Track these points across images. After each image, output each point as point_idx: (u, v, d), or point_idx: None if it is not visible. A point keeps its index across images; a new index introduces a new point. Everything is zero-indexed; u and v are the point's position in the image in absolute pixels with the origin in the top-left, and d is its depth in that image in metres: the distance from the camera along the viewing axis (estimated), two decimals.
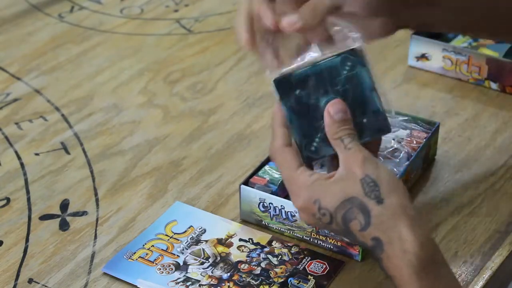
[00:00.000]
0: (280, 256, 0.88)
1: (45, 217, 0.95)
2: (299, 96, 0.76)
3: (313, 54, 0.76)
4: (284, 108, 0.76)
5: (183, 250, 0.89)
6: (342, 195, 0.73)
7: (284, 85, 0.76)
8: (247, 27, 0.80)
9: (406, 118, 1.01)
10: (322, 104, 0.76)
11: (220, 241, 0.90)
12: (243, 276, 0.85)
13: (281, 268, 0.86)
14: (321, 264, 0.86)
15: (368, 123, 0.76)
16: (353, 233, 0.73)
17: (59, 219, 0.95)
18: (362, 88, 0.76)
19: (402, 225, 0.71)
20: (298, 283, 0.84)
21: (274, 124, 0.78)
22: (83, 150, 1.06)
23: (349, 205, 0.72)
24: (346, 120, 0.75)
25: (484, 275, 0.86)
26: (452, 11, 0.85)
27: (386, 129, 0.77)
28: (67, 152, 1.06)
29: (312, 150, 0.77)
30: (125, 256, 0.88)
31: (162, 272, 0.86)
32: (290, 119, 0.76)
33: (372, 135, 0.77)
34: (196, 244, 0.89)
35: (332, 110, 0.75)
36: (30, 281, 0.86)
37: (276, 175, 0.92)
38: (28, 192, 0.99)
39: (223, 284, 0.84)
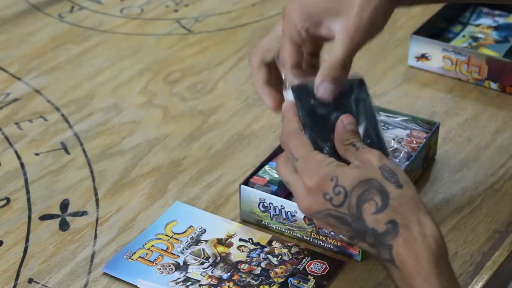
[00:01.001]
0: (280, 256, 0.88)
1: (45, 217, 0.95)
2: (313, 105, 0.78)
3: None
4: (300, 114, 0.78)
5: (183, 250, 0.89)
6: (361, 175, 0.72)
7: (301, 92, 0.78)
8: (268, 89, 0.82)
9: (406, 118, 1.01)
10: (333, 117, 0.77)
11: (220, 241, 0.90)
12: (243, 276, 0.85)
13: (281, 268, 0.86)
14: (321, 264, 0.86)
15: (371, 146, 0.77)
16: (364, 217, 0.71)
17: (59, 219, 0.95)
18: (368, 113, 0.79)
19: (421, 211, 0.71)
20: (298, 283, 0.84)
21: (287, 113, 0.78)
22: (83, 150, 1.06)
23: (368, 185, 0.72)
24: (356, 131, 0.77)
25: (484, 275, 0.86)
26: None
27: (386, 153, 0.78)
28: (67, 152, 1.06)
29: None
30: (125, 256, 0.88)
31: (162, 272, 0.86)
32: (303, 125, 0.77)
33: None
34: (196, 244, 0.89)
35: (345, 121, 0.77)
36: (30, 281, 0.86)
37: (276, 175, 0.92)
38: (28, 192, 0.99)
39: (223, 284, 0.84)
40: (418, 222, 0.70)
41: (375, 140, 0.78)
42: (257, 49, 0.85)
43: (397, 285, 0.71)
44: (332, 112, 0.78)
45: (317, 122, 0.78)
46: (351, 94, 0.80)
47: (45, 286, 0.86)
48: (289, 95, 0.79)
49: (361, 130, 0.78)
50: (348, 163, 0.75)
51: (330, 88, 0.77)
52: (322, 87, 0.77)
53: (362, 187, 0.72)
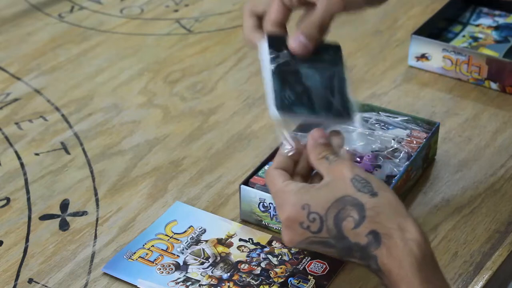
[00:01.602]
0: (280, 256, 0.88)
1: (45, 217, 0.95)
2: (284, 57, 0.80)
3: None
4: (269, 62, 0.80)
5: (183, 250, 0.89)
6: (333, 196, 0.72)
7: (275, 42, 0.81)
8: (258, 33, 0.83)
9: (406, 118, 1.01)
10: (303, 72, 0.80)
11: (220, 241, 0.90)
12: (243, 276, 0.85)
13: (281, 268, 0.86)
14: (321, 264, 0.86)
15: (336, 105, 0.79)
16: (346, 235, 0.72)
17: (59, 219, 0.95)
18: (339, 75, 0.81)
19: (400, 215, 0.70)
20: (298, 283, 0.84)
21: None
22: (83, 150, 1.06)
23: (341, 204, 0.72)
24: (328, 144, 0.78)
25: (484, 275, 0.86)
26: None
27: (348, 117, 0.79)
28: (67, 152, 1.06)
29: (286, 103, 0.78)
30: (125, 256, 0.88)
31: (162, 272, 0.86)
32: (272, 73, 0.79)
33: (335, 117, 0.79)
34: (196, 244, 0.89)
35: (316, 135, 0.78)
36: (30, 281, 0.86)
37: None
38: (28, 192, 0.99)
39: (223, 284, 0.84)
40: (398, 228, 0.70)
41: (339, 101, 0.79)
42: (250, 0, 0.86)
43: None
44: (302, 67, 0.80)
45: (286, 74, 0.79)
46: (325, 55, 0.82)
47: (45, 286, 0.86)
48: (263, 47, 0.81)
49: (328, 88, 0.80)
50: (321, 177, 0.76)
51: (303, 43, 0.79)
52: (296, 40, 0.79)
53: (336, 207, 0.72)
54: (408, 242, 0.69)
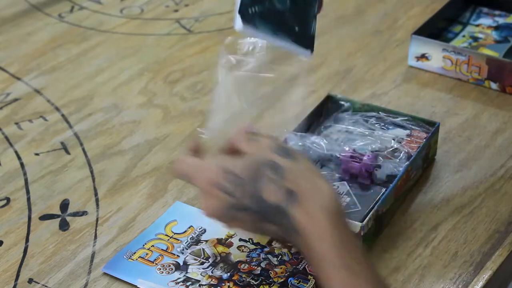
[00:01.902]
0: (280, 256, 0.88)
1: (45, 217, 0.95)
2: None
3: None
4: None
5: (183, 250, 0.89)
6: (253, 160, 0.75)
7: None
8: None
9: (406, 118, 1.01)
10: None
11: (220, 241, 0.90)
12: (243, 276, 0.85)
13: (281, 268, 0.86)
14: None
15: (299, 33, 0.80)
16: (264, 197, 0.73)
17: (59, 219, 0.95)
18: (310, 6, 0.82)
19: (316, 177, 0.73)
20: (298, 283, 0.84)
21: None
22: (83, 150, 1.06)
23: (261, 166, 0.74)
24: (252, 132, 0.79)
25: (484, 275, 0.86)
26: None
27: (307, 48, 0.81)
28: (67, 152, 1.06)
29: (250, 14, 0.81)
30: (125, 256, 0.88)
31: (162, 272, 0.86)
32: None
33: (295, 44, 0.81)
34: (196, 244, 0.89)
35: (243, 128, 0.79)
36: (30, 281, 0.86)
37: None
38: (28, 192, 0.99)
39: (223, 284, 0.84)
40: (314, 187, 0.73)
41: (302, 31, 0.81)
42: None
43: (305, 257, 0.74)
44: None
45: None
46: None
47: (45, 286, 0.86)
48: None
49: (294, 17, 0.81)
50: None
51: None
52: None
53: (256, 170, 0.74)
54: (324, 199, 0.72)
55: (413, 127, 1.00)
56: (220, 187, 0.74)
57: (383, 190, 0.92)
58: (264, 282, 0.84)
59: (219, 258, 0.88)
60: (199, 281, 0.85)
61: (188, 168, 0.78)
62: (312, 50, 0.83)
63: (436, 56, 1.18)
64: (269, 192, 0.73)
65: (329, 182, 0.74)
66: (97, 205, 0.97)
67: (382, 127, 1.01)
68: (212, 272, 0.86)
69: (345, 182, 0.94)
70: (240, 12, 0.79)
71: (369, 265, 0.72)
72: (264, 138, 0.77)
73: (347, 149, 0.96)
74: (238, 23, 0.79)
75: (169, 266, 0.87)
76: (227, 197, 0.74)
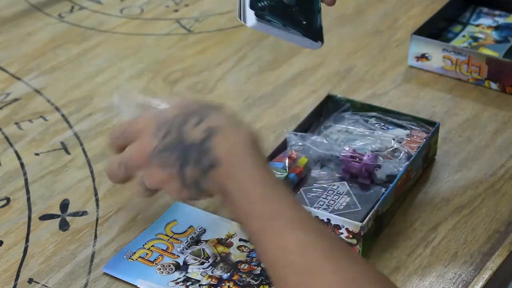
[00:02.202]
0: None
1: (45, 217, 0.95)
2: None
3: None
4: None
5: (183, 250, 0.89)
6: (181, 107, 0.78)
7: None
8: None
9: (406, 118, 1.01)
10: None
11: (220, 241, 0.90)
12: (243, 276, 0.85)
13: None
14: None
15: (307, 25, 0.82)
16: (184, 136, 0.75)
17: (59, 219, 0.95)
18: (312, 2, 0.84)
19: (237, 120, 0.77)
20: None
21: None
22: (83, 150, 1.06)
23: (188, 112, 0.77)
24: None
25: (484, 275, 0.86)
26: None
27: (317, 41, 0.82)
28: (67, 152, 1.06)
29: (259, 6, 0.81)
30: (125, 256, 0.88)
31: (162, 272, 0.86)
32: None
33: (305, 36, 0.83)
34: (196, 244, 0.89)
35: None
36: (30, 281, 0.86)
37: (276, 175, 0.92)
38: (28, 192, 0.99)
39: (223, 284, 0.84)
40: (233, 123, 0.76)
41: (309, 24, 0.83)
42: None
43: (219, 185, 0.74)
44: None
45: None
46: None
47: (45, 286, 0.86)
48: None
49: (301, 11, 0.82)
50: None
51: None
52: None
53: (182, 114, 0.77)
54: (241, 130, 0.75)
55: (413, 127, 1.00)
56: (151, 132, 0.78)
57: (383, 190, 0.92)
58: (264, 282, 0.84)
59: (219, 258, 0.88)
60: (199, 281, 0.85)
61: (122, 128, 0.83)
62: (322, 41, 0.84)
63: (436, 56, 1.18)
64: (190, 132, 0.75)
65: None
66: (97, 205, 0.97)
67: (382, 127, 1.01)
68: (212, 272, 0.86)
69: (345, 182, 0.94)
70: (251, 7, 0.79)
71: (289, 193, 0.73)
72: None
73: (347, 149, 0.96)
74: (251, 19, 0.79)
75: (169, 266, 0.87)
76: (155, 141, 0.77)
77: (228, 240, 0.90)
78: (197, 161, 0.75)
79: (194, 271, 0.86)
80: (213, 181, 0.74)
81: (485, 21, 1.28)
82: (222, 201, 0.76)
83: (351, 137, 0.98)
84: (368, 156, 0.94)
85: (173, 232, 0.91)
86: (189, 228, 0.92)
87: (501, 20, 1.29)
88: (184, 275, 0.85)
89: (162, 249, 0.89)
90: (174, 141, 0.76)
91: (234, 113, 0.78)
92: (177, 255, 0.88)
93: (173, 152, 0.76)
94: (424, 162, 0.99)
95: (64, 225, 0.94)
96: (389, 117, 1.02)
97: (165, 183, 0.78)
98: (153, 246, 0.89)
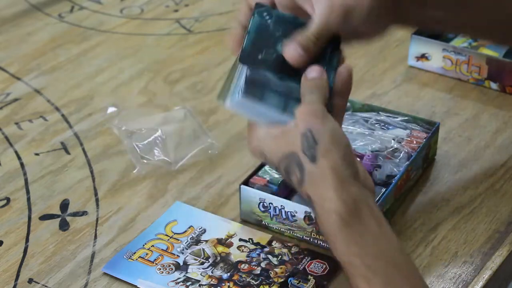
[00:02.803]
0: (280, 256, 0.88)
1: (45, 217, 0.95)
2: (267, 24, 0.80)
3: None
4: (249, 24, 0.80)
5: (183, 250, 0.89)
6: (284, 150, 0.76)
7: (262, 11, 0.80)
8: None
9: (406, 118, 1.01)
10: (279, 42, 0.79)
11: (220, 241, 0.90)
12: (243, 276, 0.85)
13: (281, 268, 0.86)
14: (321, 264, 0.86)
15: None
16: (296, 186, 0.76)
17: (59, 219, 0.95)
18: (327, 63, 0.80)
19: (329, 186, 0.73)
20: (298, 283, 0.84)
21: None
22: (83, 150, 1.06)
23: (289, 159, 0.75)
24: (315, 79, 0.77)
25: (484, 275, 0.86)
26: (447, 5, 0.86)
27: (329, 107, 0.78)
28: (67, 152, 1.06)
29: (260, 58, 0.79)
30: (125, 256, 0.88)
31: (162, 272, 0.86)
32: (248, 32, 0.79)
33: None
34: (196, 244, 0.89)
35: (308, 72, 0.78)
36: (30, 281, 0.86)
37: (276, 175, 0.92)
38: (28, 192, 0.99)
39: (223, 284, 0.84)
40: (323, 197, 0.73)
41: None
42: None
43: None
44: (282, 38, 0.79)
45: (262, 36, 0.79)
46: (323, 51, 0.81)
47: (45, 286, 0.86)
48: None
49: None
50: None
51: (299, 53, 0.78)
52: (292, 49, 0.78)
53: (285, 161, 0.76)
54: (331, 213, 0.73)
55: (413, 127, 1.00)
56: (264, 159, 0.80)
57: (383, 190, 0.92)
58: (264, 282, 0.84)
59: (219, 258, 0.88)
60: (199, 281, 0.85)
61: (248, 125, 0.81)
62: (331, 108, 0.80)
63: (436, 56, 1.18)
64: (298, 188, 0.76)
65: (343, 188, 0.73)
66: (97, 205, 0.97)
67: (382, 127, 1.01)
68: (212, 272, 0.86)
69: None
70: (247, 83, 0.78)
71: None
72: (303, 107, 0.76)
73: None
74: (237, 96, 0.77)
75: (169, 266, 0.87)
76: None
77: (228, 240, 0.90)
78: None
79: (194, 271, 0.86)
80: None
81: None
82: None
83: (351, 137, 0.98)
84: (368, 156, 0.94)
85: (173, 232, 0.91)
86: (189, 228, 0.92)
87: None
88: (184, 275, 0.85)
89: (162, 249, 0.89)
90: (288, 181, 0.77)
91: (326, 170, 0.74)
92: (177, 255, 0.88)
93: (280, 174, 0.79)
94: (424, 162, 0.99)
95: (64, 225, 0.94)
96: (389, 117, 1.02)
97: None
98: (153, 246, 0.89)
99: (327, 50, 0.80)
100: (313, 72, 0.77)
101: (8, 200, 0.98)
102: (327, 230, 0.74)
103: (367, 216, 0.73)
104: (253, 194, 0.90)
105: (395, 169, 0.94)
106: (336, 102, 0.78)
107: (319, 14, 0.79)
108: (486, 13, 0.87)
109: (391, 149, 0.96)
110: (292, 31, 0.79)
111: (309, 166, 0.73)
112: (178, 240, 0.90)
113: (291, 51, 0.78)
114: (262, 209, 0.90)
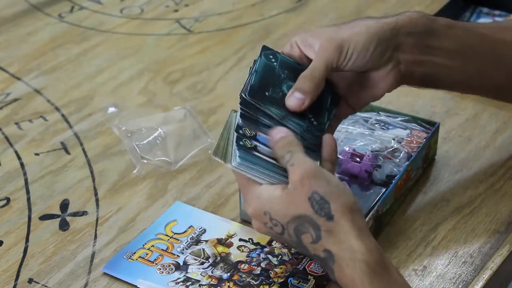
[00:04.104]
0: (280, 256, 0.88)
1: (45, 217, 0.95)
2: (273, 67, 0.82)
3: None
4: (256, 65, 0.82)
5: (183, 250, 0.89)
6: (293, 212, 0.74)
7: (269, 55, 0.84)
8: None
9: (406, 118, 1.01)
10: (285, 84, 0.82)
11: (220, 241, 0.90)
12: (243, 276, 0.85)
13: (281, 268, 0.86)
14: None
15: (316, 125, 0.81)
16: (305, 245, 0.75)
17: (59, 219, 0.95)
18: (323, 105, 0.82)
19: (351, 237, 0.73)
20: (298, 283, 0.84)
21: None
22: (83, 150, 1.06)
23: (300, 220, 0.74)
24: (285, 138, 0.77)
25: (484, 275, 0.86)
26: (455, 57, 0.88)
27: (317, 148, 0.79)
28: (67, 152, 1.06)
29: (267, 95, 0.80)
30: (125, 256, 0.88)
31: (162, 272, 0.86)
32: (256, 72, 0.81)
33: (311, 137, 0.80)
34: (196, 244, 0.89)
35: (274, 134, 0.78)
36: (30, 281, 0.86)
37: None
38: (28, 192, 0.99)
39: (223, 284, 0.84)
40: (349, 249, 0.73)
41: (316, 127, 0.80)
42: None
43: None
44: (286, 80, 0.81)
45: (269, 76, 0.81)
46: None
47: (45, 286, 0.86)
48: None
49: (312, 110, 0.80)
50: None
51: (300, 99, 0.79)
52: (292, 97, 0.80)
53: (294, 222, 0.74)
54: (357, 262, 0.72)
55: (413, 127, 1.00)
56: (264, 223, 0.77)
57: (383, 190, 0.92)
58: (264, 282, 0.84)
59: (219, 258, 0.88)
60: (199, 281, 0.85)
61: (240, 186, 0.80)
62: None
63: None
64: (310, 246, 0.75)
65: (365, 237, 0.73)
66: (97, 205, 0.97)
67: (382, 127, 1.01)
68: (212, 272, 0.86)
69: (345, 182, 0.94)
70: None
71: None
72: (299, 167, 0.75)
73: (347, 149, 0.96)
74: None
75: (169, 266, 0.87)
76: (272, 231, 0.77)
77: (228, 240, 0.90)
78: (322, 267, 0.77)
79: (194, 271, 0.86)
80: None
81: (485, 21, 1.28)
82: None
83: (351, 137, 0.98)
84: (368, 156, 0.94)
85: (173, 232, 0.91)
86: (189, 228, 0.92)
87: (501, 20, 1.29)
88: (184, 275, 0.86)
89: (162, 249, 0.89)
90: (294, 242, 0.76)
91: (345, 224, 0.73)
92: (177, 255, 0.88)
93: (296, 247, 0.78)
94: (424, 162, 0.99)
95: (64, 225, 0.94)
96: (389, 117, 1.02)
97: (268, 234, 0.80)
98: (153, 246, 0.89)
99: (326, 97, 0.83)
100: (279, 133, 0.77)
101: (8, 200, 0.98)
102: (352, 282, 0.73)
103: (391, 264, 0.74)
104: None
105: (395, 169, 0.94)
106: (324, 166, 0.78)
107: (317, 51, 0.82)
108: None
109: (391, 149, 0.96)
110: (296, 74, 0.81)
111: (326, 224, 0.73)
112: (178, 240, 0.90)
113: (292, 100, 0.80)
114: None
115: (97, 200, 0.97)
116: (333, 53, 0.82)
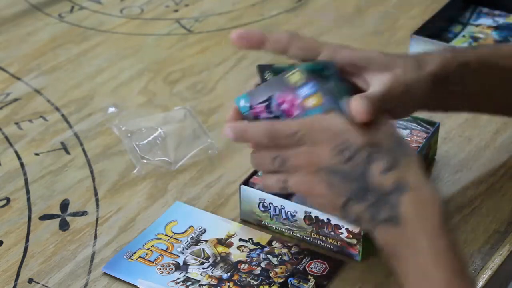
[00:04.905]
0: (280, 256, 0.88)
1: (45, 217, 0.95)
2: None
3: None
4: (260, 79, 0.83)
5: (183, 250, 0.89)
6: (373, 138, 0.72)
7: (264, 68, 0.85)
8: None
9: (406, 118, 1.01)
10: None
11: (220, 241, 0.90)
12: (243, 276, 0.85)
13: (281, 268, 0.86)
14: (321, 264, 0.86)
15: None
16: (370, 174, 0.71)
17: (59, 219, 0.95)
18: (333, 91, 0.78)
19: (428, 180, 0.72)
20: (298, 283, 0.84)
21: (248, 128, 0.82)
22: (83, 150, 1.06)
23: (378, 148, 0.72)
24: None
25: (484, 275, 0.86)
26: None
27: None
28: (67, 152, 1.06)
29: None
30: (125, 256, 0.88)
31: (162, 272, 0.86)
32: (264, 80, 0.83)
33: None
34: (196, 244, 0.89)
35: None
36: (30, 281, 0.86)
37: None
38: (28, 192, 0.99)
39: (223, 284, 0.84)
40: (428, 185, 0.71)
41: None
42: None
43: (392, 244, 0.71)
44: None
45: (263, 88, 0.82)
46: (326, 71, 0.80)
47: (45, 286, 0.86)
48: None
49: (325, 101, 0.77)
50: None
51: (364, 105, 0.73)
52: (357, 101, 0.74)
53: (372, 146, 0.72)
54: (437, 200, 0.70)
55: (413, 127, 1.00)
56: (335, 146, 0.72)
57: None
58: (264, 282, 0.84)
59: (219, 258, 0.88)
60: (199, 281, 0.85)
61: (301, 130, 0.74)
62: None
63: None
64: (377, 174, 0.71)
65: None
66: (97, 205, 0.97)
67: None
68: (212, 272, 0.86)
69: None
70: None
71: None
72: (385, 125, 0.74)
73: None
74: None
75: (169, 266, 0.87)
76: (336, 158, 0.72)
77: (228, 240, 0.90)
78: (373, 209, 0.71)
79: (194, 271, 0.86)
80: (383, 236, 0.71)
81: (485, 21, 1.28)
82: (385, 257, 0.72)
83: None
84: None
85: (173, 232, 0.91)
86: (189, 228, 0.92)
87: (501, 20, 1.29)
88: (184, 275, 0.86)
89: (162, 249, 0.89)
90: (355, 173, 0.71)
91: (423, 165, 0.73)
92: (177, 255, 0.88)
93: (351, 183, 0.72)
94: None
95: (64, 225, 0.94)
96: None
97: (317, 197, 0.75)
98: (153, 246, 0.89)
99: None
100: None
101: (8, 200, 0.98)
102: (421, 213, 0.69)
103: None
104: (253, 194, 0.90)
105: None
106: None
107: (384, 84, 0.78)
108: None
109: None
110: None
111: (404, 158, 0.71)
112: (178, 240, 0.90)
113: (356, 105, 0.73)
114: (262, 209, 0.90)
115: (97, 200, 0.97)
116: (397, 98, 0.79)
